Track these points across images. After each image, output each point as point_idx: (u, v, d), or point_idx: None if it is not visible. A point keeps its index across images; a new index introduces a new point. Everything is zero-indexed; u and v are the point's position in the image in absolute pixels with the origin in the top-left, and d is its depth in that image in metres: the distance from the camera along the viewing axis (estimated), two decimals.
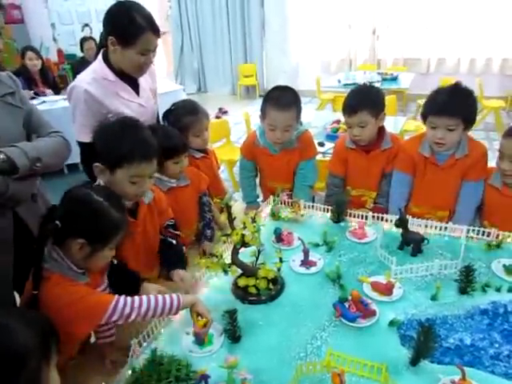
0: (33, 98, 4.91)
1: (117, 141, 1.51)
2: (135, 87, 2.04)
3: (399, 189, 2.15)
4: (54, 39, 8.31)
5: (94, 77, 1.90)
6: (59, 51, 7.90)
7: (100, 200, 1.30)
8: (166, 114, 2.25)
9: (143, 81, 2.09)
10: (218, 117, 6.73)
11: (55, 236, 1.28)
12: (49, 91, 5.34)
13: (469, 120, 1.89)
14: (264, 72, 8.53)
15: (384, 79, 5.66)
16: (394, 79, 5.71)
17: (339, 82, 5.73)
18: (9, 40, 7.58)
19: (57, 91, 5.41)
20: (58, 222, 1.25)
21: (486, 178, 2.00)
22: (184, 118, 2.18)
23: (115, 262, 1.52)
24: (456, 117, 1.85)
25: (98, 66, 1.94)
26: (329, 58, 7.85)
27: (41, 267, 1.24)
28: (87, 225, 1.28)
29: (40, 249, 1.25)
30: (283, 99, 2.12)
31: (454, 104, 1.86)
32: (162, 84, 5.87)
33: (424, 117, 1.98)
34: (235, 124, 5.47)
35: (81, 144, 1.93)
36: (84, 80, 1.89)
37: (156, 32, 1.86)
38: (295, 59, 8.22)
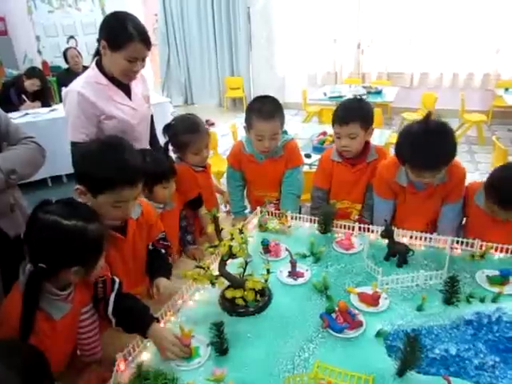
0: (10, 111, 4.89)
1: (98, 165, 1.42)
2: (127, 92, 2.10)
3: (383, 211, 2.12)
4: (39, 51, 8.29)
5: (87, 81, 1.99)
6: (44, 63, 7.86)
7: (72, 223, 1.22)
8: (166, 128, 2.22)
9: (135, 87, 2.15)
10: None
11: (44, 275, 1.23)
12: (37, 104, 5.29)
13: (450, 161, 1.83)
14: (251, 84, 8.58)
15: (369, 92, 5.75)
16: (379, 93, 5.81)
17: (325, 94, 5.83)
18: None
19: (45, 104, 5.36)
20: (42, 265, 1.19)
21: (470, 194, 1.99)
22: (183, 135, 2.14)
23: (117, 284, 1.47)
24: (440, 166, 1.81)
25: (91, 71, 2.03)
26: (315, 71, 7.94)
27: (33, 314, 1.20)
28: (75, 254, 1.23)
29: (33, 298, 1.20)
30: (266, 109, 2.14)
31: (434, 159, 1.77)
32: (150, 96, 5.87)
33: (402, 161, 1.90)
34: (222, 136, 5.49)
35: (74, 145, 1.96)
36: (77, 84, 1.98)
37: (146, 43, 1.94)
38: (282, 72, 8.30)
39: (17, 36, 8.33)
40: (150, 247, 1.77)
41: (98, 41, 1.96)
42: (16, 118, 4.69)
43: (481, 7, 6.40)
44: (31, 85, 5.21)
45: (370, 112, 2.14)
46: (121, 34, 1.88)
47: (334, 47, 7.55)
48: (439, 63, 6.96)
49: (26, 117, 4.81)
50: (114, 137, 1.64)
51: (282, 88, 8.25)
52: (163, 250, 1.80)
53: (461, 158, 4.98)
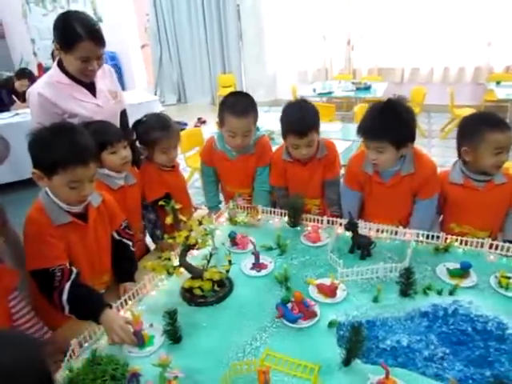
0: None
1: (49, 147, 1.46)
2: (92, 89, 2.11)
3: (350, 203, 2.13)
4: (34, 54, 8.39)
5: (48, 80, 2.02)
6: (39, 65, 7.91)
7: None
8: (136, 124, 2.19)
9: (101, 83, 2.16)
10: (196, 126, 6.75)
11: None
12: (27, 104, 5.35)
13: (398, 141, 1.84)
14: (243, 82, 8.58)
15: (358, 88, 5.77)
16: (368, 88, 5.83)
17: (314, 91, 5.87)
18: None
19: None
20: None
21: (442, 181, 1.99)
22: (153, 132, 2.10)
23: (74, 274, 1.51)
24: (383, 140, 1.83)
25: (52, 71, 2.06)
26: (305, 67, 7.95)
27: None
28: None
29: None
30: (240, 105, 2.10)
31: (379, 128, 1.84)
32: (138, 95, 5.93)
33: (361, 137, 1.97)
34: (211, 133, 5.48)
35: None
36: (38, 85, 2.02)
37: (96, 41, 1.92)
38: (272, 69, 8.31)
39: (13, 39, 8.48)
40: (116, 237, 1.80)
41: (53, 42, 1.98)
42: (6, 118, 4.87)
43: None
44: (21, 85, 5.32)
45: (318, 114, 2.10)
46: (69, 35, 1.89)
47: (324, 44, 7.56)
48: (430, 58, 6.96)
49: (15, 117, 4.91)
50: (65, 122, 1.69)
51: (274, 85, 8.26)
52: (130, 243, 1.85)
53: (451, 152, 5.01)
